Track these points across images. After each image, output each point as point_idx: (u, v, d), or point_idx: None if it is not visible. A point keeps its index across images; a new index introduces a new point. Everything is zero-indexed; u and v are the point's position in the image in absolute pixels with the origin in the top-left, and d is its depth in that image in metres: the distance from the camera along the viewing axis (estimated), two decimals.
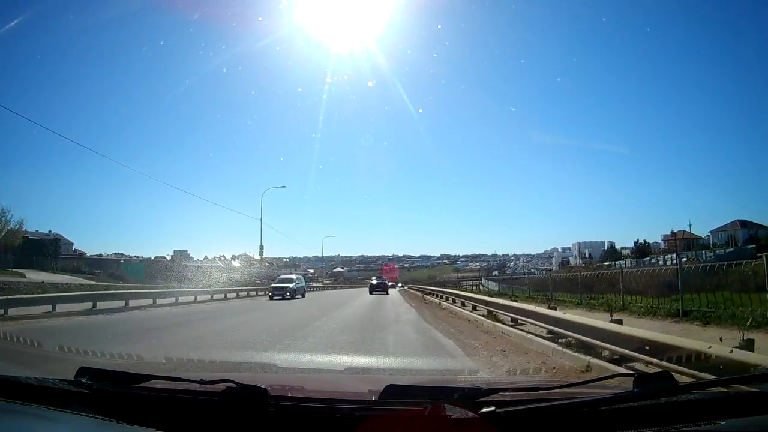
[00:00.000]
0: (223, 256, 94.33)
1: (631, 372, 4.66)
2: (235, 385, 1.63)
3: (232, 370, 4.73)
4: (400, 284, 77.36)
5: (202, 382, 1.78)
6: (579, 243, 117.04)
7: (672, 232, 76.82)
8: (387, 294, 34.38)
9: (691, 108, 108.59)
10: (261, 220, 42.40)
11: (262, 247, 47.01)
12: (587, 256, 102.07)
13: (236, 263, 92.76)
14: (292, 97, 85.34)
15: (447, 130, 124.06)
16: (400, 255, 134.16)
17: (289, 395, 1.71)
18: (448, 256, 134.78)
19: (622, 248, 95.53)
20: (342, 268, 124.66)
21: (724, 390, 1.74)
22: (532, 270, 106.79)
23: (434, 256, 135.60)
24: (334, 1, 34.18)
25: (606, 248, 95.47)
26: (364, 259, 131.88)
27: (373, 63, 39.40)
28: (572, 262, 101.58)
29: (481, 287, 40.91)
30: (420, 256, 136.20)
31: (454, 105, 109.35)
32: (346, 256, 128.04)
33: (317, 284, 64.79)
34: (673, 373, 1.84)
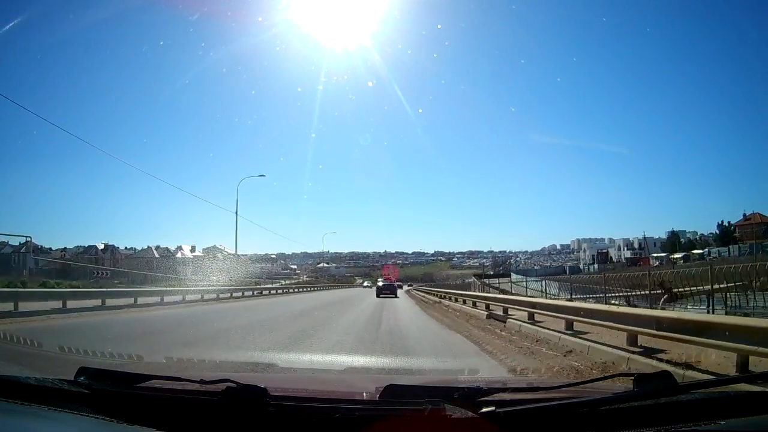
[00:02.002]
0: (180, 247, 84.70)
1: (631, 372, 4.66)
2: (235, 385, 1.63)
3: (232, 370, 4.73)
4: (409, 284, 71.87)
5: (202, 381, 1.79)
6: (579, 239, 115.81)
7: (744, 215, 68.73)
8: (396, 297, 32.56)
9: (689, 107, 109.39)
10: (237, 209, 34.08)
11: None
12: (638, 247, 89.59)
13: (190, 254, 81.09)
14: (288, 95, 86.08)
15: (443, 129, 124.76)
16: (393, 251, 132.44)
17: (289, 395, 1.71)
18: (442, 253, 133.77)
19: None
20: (328, 263, 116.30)
21: (724, 390, 1.74)
22: (532, 266, 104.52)
23: (428, 253, 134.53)
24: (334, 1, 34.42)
25: (669, 234, 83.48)
26: (354, 256, 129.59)
27: (372, 62, 39.58)
28: (613, 255, 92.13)
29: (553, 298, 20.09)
30: (413, 253, 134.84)
31: (452, 104, 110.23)
32: (336, 253, 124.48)
33: (272, 285, 45.80)
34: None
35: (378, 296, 31.25)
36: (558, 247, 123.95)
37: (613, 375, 3.37)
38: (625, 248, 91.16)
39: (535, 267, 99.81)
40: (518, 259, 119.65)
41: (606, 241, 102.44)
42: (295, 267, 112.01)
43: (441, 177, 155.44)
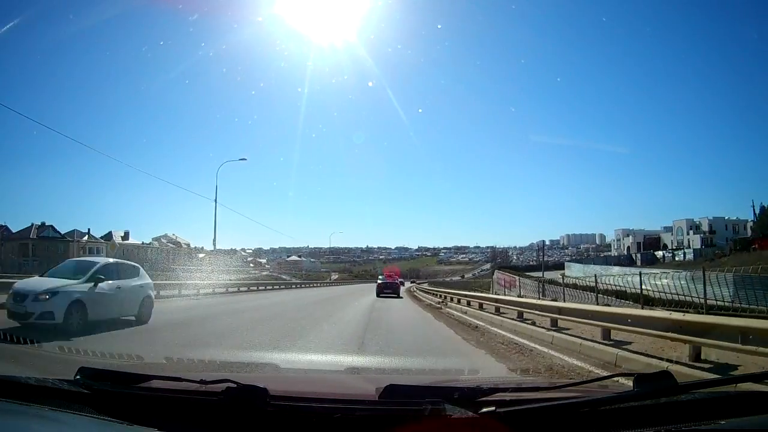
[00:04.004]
0: (107, 234, 64.40)
1: (631, 372, 4.66)
2: (235, 385, 1.63)
3: (233, 370, 4.73)
4: (411, 281, 67.05)
5: (202, 382, 1.79)
6: (568, 235, 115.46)
7: None
8: (400, 297, 29.95)
9: (681, 106, 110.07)
10: None
11: None
12: (708, 230, 71.39)
13: (109, 241, 56.30)
14: (276, 92, 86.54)
15: (432, 129, 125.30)
16: (375, 247, 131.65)
17: (289, 395, 1.71)
18: (426, 249, 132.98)
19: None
20: (300, 257, 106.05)
21: (725, 390, 1.74)
22: (528, 262, 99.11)
23: (411, 249, 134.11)
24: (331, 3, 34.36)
25: (761, 211, 59.92)
26: (335, 251, 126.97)
27: (363, 59, 39.65)
28: (668, 241, 75.35)
29: None
30: (396, 248, 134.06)
31: (442, 103, 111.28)
32: (316, 248, 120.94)
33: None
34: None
35: (378, 296, 29.57)
36: (547, 242, 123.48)
37: (613, 375, 3.36)
38: (691, 232, 74.03)
39: (531, 262, 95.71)
40: (509, 254, 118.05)
41: (597, 237, 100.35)
42: (264, 261, 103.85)
43: (427, 174, 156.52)
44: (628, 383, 1.59)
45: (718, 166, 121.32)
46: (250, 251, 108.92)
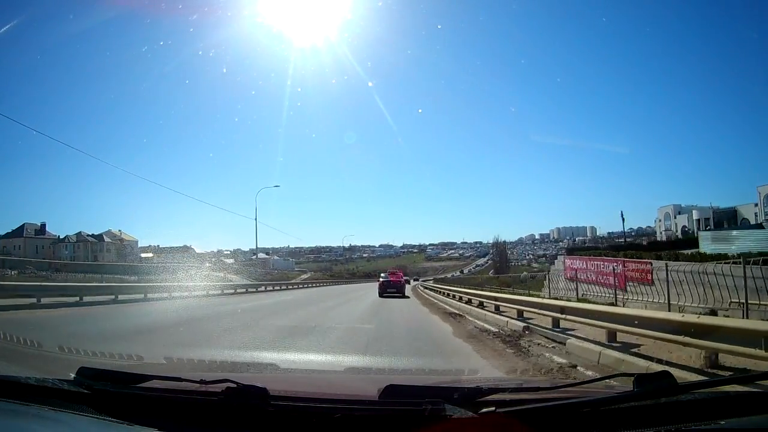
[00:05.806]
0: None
1: (631, 372, 4.66)
2: (235, 385, 1.63)
3: (233, 370, 4.72)
4: (414, 279, 64.49)
5: (202, 381, 1.79)
6: (559, 228, 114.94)
7: None
8: (405, 297, 27.44)
9: (671, 104, 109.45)
10: None
11: None
12: None
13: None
14: (257, 91, 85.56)
15: (420, 127, 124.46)
16: (359, 245, 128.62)
17: (289, 395, 1.71)
18: (411, 246, 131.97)
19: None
20: (268, 254, 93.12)
21: (724, 390, 1.74)
22: (525, 255, 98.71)
23: (396, 246, 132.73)
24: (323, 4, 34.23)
25: None
26: (316, 250, 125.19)
27: (346, 57, 39.26)
28: (748, 215, 53.86)
29: None
30: (381, 246, 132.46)
31: (433, 103, 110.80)
32: (297, 247, 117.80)
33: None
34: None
35: (381, 295, 27.21)
36: (537, 236, 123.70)
37: (613, 375, 3.36)
38: None
39: (529, 255, 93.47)
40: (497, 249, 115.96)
41: (588, 230, 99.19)
42: (231, 261, 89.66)
43: (413, 171, 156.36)
44: (629, 383, 1.59)
45: (717, 155, 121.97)
46: (228, 252, 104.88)
